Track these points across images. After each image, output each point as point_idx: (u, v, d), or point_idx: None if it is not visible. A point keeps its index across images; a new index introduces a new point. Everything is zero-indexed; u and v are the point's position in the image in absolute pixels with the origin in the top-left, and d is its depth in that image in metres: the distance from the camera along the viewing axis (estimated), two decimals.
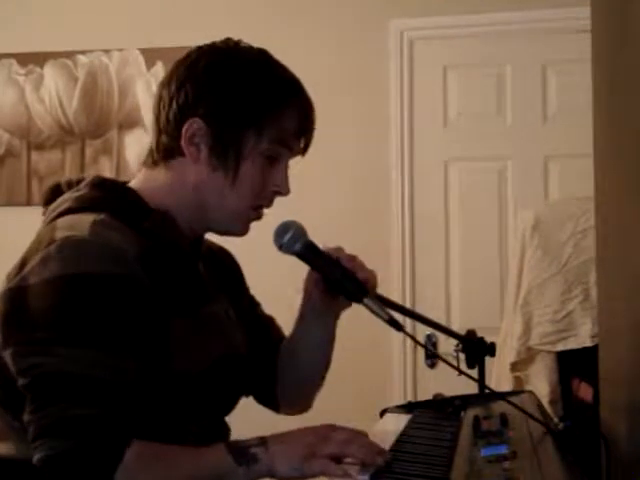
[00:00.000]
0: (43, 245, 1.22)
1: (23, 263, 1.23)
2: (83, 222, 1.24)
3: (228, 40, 1.39)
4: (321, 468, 1.13)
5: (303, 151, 1.40)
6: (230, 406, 1.44)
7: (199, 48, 1.38)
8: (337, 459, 1.15)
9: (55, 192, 1.37)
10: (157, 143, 1.36)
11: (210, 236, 1.48)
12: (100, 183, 1.35)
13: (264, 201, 1.37)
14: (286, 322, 1.59)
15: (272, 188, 1.36)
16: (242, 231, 1.40)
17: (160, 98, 1.35)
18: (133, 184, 1.38)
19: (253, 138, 1.32)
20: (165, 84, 1.36)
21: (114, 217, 1.27)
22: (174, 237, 1.35)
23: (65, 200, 1.32)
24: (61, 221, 1.26)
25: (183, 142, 1.32)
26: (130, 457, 1.11)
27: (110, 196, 1.33)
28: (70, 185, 1.37)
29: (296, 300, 1.51)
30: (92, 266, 1.18)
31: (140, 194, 1.35)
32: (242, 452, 1.14)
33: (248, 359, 1.46)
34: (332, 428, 1.18)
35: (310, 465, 1.13)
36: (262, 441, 1.16)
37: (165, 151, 1.35)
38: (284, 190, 1.37)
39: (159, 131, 1.35)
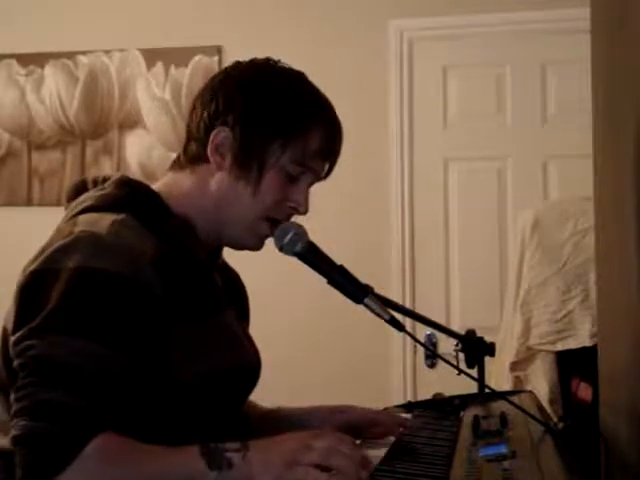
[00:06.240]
0: (61, 237, 1.24)
1: (40, 253, 1.25)
2: (103, 221, 1.26)
3: (268, 59, 1.42)
4: (303, 476, 1.08)
5: (326, 175, 1.43)
6: (236, 418, 1.40)
7: (236, 63, 1.42)
8: (320, 467, 1.09)
9: (80, 189, 1.39)
10: (185, 149, 1.40)
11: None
12: (125, 183, 1.37)
13: (279, 215, 1.38)
14: (285, 322, 1.59)
15: (289, 204, 1.38)
16: (257, 245, 1.41)
17: (194, 108, 1.40)
18: (157, 187, 1.40)
19: (277, 152, 1.34)
20: (200, 95, 1.40)
21: (134, 218, 1.29)
22: (191, 244, 1.36)
23: (88, 198, 1.34)
24: (82, 218, 1.29)
25: (209, 150, 1.35)
26: (90, 449, 1.10)
27: (133, 197, 1.34)
28: (96, 183, 1.39)
29: (295, 300, 1.52)
30: (104, 263, 1.20)
31: (163, 198, 1.37)
32: (217, 456, 1.11)
33: (259, 372, 1.46)
34: (315, 436, 1.14)
35: (291, 473, 1.09)
36: (241, 447, 1.12)
37: (192, 157, 1.39)
38: (302, 209, 1.38)
39: (189, 138, 1.39)
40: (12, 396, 1.16)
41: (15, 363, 1.18)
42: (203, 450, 1.11)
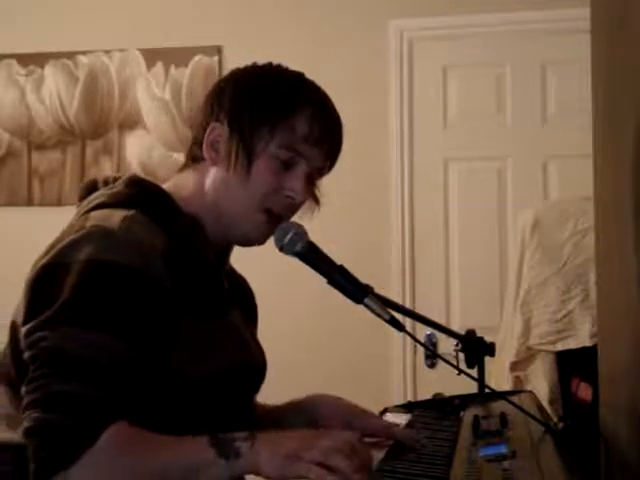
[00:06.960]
0: (73, 232, 1.26)
1: (51, 248, 1.26)
2: (114, 216, 1.28)
3: (270, 63, 1.44)
4: (303, 471, 1.09)
5: (329, 168, 1.43)
6: (243, 415, 1.40)
7: (235, 69, 1.44)
8: (324, 466, 1.10)
9: (91, 188, 1.41)
10: (189, 151, 1.44)
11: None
12: (136, 182, 1.39)
13: (276, 205, 1.38)
14: (286, 322, 1.59)
15: (285, 193, 1.38)
16: (259, 238, 1.41)
17: (197, 113, 1.43)
18: (167, 187, 1.42)
19: (265, 138, 1.35)
20: (204, 100, 1.43)
21: (144, 215, 1.31)
22: (200, 243, 1.37)
23: (100, 195, 1.36)
24: (94, 214, 1.30)
25: (204, 146, 1.38)
26: (102, 442, 1.10)
27: (143, 194, 1.36)
28: (107, 182, 1.41)
29: (295, 300, 1.52)
30: (114, 256, 1.21)
31: (174, 198, 1.39)
32: (226, 445, 1.12)
33: (264, 373, 1.47)
34: (321, 435, 1.15)
35: (292, 467, 1.10)
36: (249, 436, 1.13)
37: (193, 157, 1.42)
38: (296, 197, 1.38)
39: (192, 141, 1.43)
40: (23, 389, 1.16)
41: (26, 355, 1.18)
42: (212, 441, 1.12)
